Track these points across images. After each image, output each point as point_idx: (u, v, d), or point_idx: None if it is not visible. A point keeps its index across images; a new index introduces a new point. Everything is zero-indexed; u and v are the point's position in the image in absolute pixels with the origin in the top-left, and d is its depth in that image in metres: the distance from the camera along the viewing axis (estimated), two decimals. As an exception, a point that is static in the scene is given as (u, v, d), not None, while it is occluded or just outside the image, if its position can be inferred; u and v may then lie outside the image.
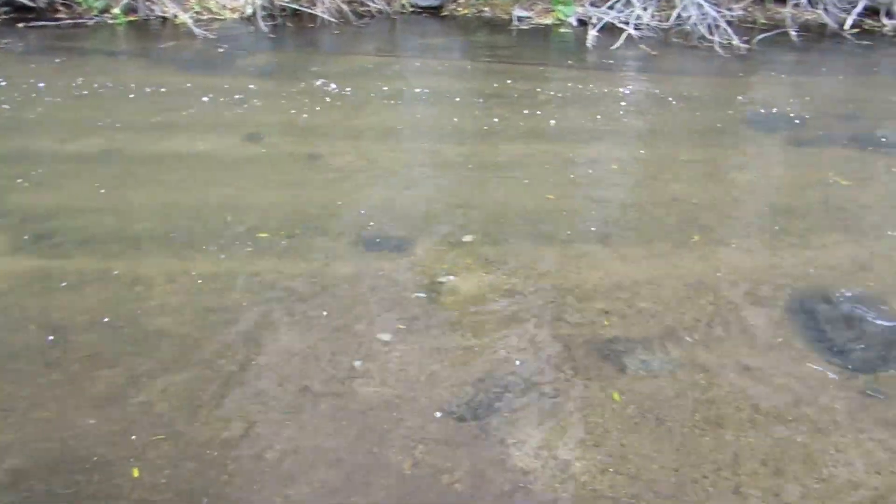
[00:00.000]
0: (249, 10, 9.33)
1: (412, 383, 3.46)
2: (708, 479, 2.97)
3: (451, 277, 4.21)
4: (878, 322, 3.84)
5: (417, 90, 7.16)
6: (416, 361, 3.59)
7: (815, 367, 3.57)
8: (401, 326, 3.83)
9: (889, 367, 3.56)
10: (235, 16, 9.47)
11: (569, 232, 4.69)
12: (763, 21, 9.80)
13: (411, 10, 9.75)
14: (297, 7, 9.44)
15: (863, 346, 3.68)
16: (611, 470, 3.01)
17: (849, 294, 4.07)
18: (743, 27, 9.47)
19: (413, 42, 8.87)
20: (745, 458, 3.06)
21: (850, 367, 3.57)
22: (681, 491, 2.91)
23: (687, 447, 3.11)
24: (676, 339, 3.73)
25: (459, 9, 9.91)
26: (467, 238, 4.60)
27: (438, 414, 3.29)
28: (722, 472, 2.99)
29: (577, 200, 5.08)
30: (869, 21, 9.86)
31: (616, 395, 3.37)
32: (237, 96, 6.84)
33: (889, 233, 4.71)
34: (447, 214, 4.88)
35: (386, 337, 3.76)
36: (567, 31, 9.30)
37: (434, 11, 9.70)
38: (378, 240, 4.59)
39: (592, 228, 4.73)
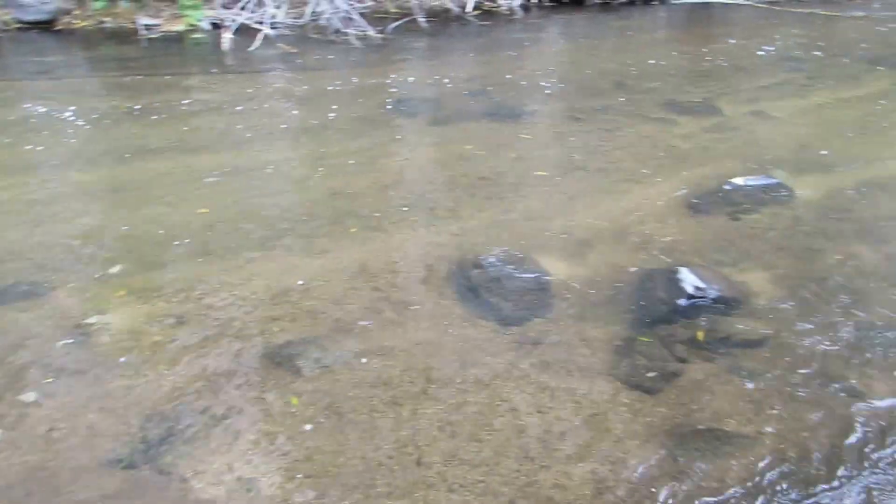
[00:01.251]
0: None
1: (68, 441, 3.09)
2: (392, 458, 3.04)
3: (101, 315, 3.83)
4: (523, 276, 4.22)
5: (39, 116, 6.43)
6: (69, 416, 3.21)
7: (475, 329, 3.82)
8: (48, 381, 3.40)
9: (536, 315, 3.92)
10: None
11: (227, 244, 4.52)
12: (394, 10, 10.34)
13: (16, 26, 8.72)
14: None
15: (513, 301, 4.02)
16: (299, 475, 2.95)
17: (495, 256, 4.41)
18: (376, 18, 9.91)
19: (25, 62, 7.95)
20: (424, 429, 3.18)
21: (504, 321, 3.87)
22: (368, 477, 2.94)
23: (369, 433, 3.16)
24: (347, 331, 3.77)
25: (76, 21, 9.08)
26: (115, 269, 4.22)
27: (104, 467, 2.97)
28: (405, 449, 3.08)
29: (233, 210, 4.92)
30: (488, 3, 10.87)
31: (294, 399, 3.32)
32: None
33: (525, 195, 5.21)
34: (89, 247, 4.44)
35: (30, 397, 3.31)
36: (201, 36, 9.00)
37: (45, 26, 8.78)
38: (9, 289, 4.04)
39: (252, 236, 4.61)
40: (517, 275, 4.22)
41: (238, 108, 6.75)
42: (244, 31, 8.93)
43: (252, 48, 8.54)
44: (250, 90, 7.25)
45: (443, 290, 4.12)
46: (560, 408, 3.30)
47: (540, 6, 11.17)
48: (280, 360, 3.54)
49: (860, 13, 11.40)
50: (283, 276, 4.20)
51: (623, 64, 8.52)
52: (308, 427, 3.18)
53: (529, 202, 5.08)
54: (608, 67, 8.34)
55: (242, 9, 9.29)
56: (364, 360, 3.56)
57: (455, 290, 4.11)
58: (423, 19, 9.97)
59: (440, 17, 10.38)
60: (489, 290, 4.07)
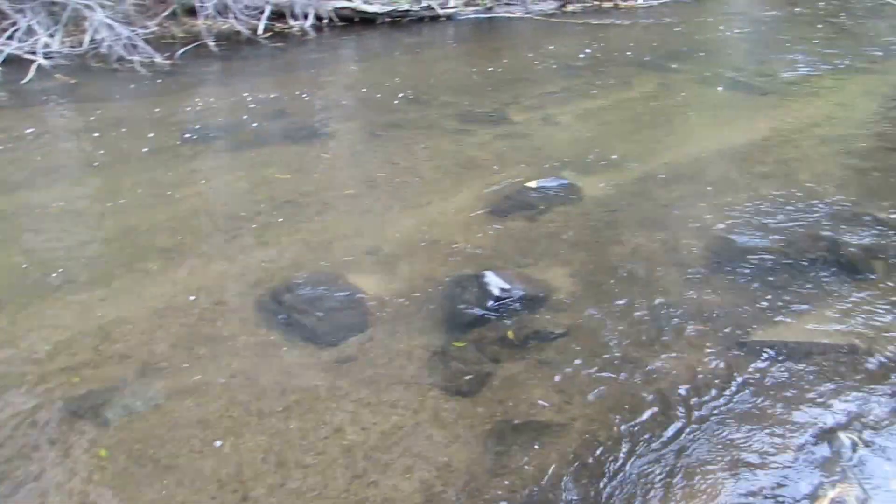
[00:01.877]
0: None
1: None
2: (216, 499, 2.92)
3: None
4: (336, 295, 4.22)
5: None
6: None
7: (291, 353, 3.77)
8: None
9: (351, 332, 3.93)
10: None
11: (11, 292, 4.16)
12: (182, 35, 10.00)
13: None
14: None
15: (327, 321, 4.00)
16: (114, 533, 2.78)
17: (306, 278, 4.37)
18: (163, 43, 9.53)
19: None
20: (247, 463, 3.09)
21: (321, 343, 3.84)
22: (191, 523, 2.82)
23: (191, 475, 3.02)
24: (156, 372, 3.59)
25: None
26: None
27: None
28: (228, 486, 2.97)
29: (14, 256, 4.54)
30: (279, 24, 10.79)
31: (103, 452, 3.11)
32: None
33: (332, 215, 5.21)
34: None
35: None
36: (-37, 70, 8.22)
37: None
38: None
39: (39, 282, 4.27)
40: (330, 295, 4.21)
41: (11, 145, 6.23)
42: (14, 63, 8.24)
43: (25, 80, 7.90)
44: (25, 126, 6.71)
45: (255, 318, 4.03)
46: (383, 422, 3.34)
47: (332, 26, 11.24)
48: (82, 412, 3.31)
49: (628, 21, 12.48)
50: (79, 322, 3.93)
51: (417, 79, 8.77)
52: (120, 479, 2.99)
53: (336, 221, 5.10)
54: (403, 83, 8.55)
55: (10, 38, 8.57)
56: (177, 401, 3.41)
57: (268, 317, 4.04)
58: (213, 43, 9.70)
59: (231, 41, 10.16)
60: (303, 313, 4.03)
